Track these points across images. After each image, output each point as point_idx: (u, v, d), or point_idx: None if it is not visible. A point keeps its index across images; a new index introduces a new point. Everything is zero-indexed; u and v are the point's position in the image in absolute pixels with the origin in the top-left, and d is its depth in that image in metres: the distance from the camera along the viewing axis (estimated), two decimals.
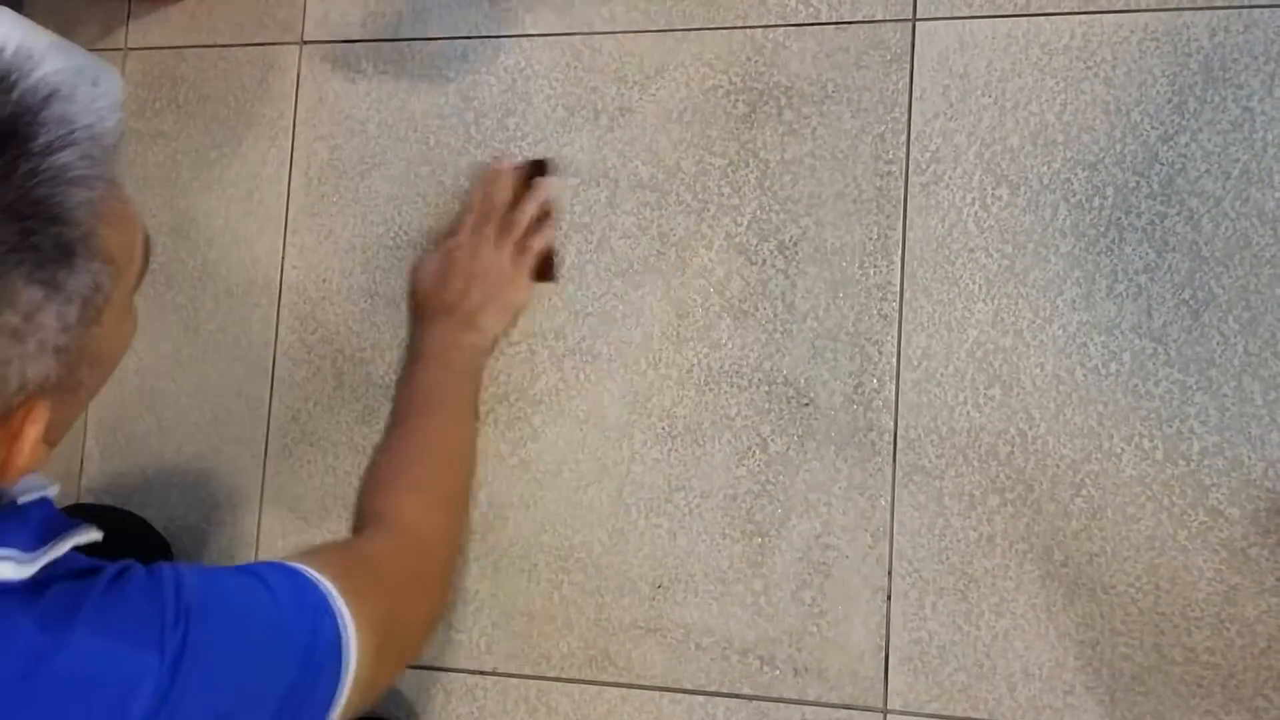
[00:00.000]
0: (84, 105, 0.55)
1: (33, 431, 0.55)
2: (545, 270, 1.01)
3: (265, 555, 1.05)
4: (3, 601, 0.54)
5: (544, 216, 1.01)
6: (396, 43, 1.08)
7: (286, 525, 1.05)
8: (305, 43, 1.11)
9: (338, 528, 1.04)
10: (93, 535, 0.60)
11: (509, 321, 1.00)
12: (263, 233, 1.09)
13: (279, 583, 0.66)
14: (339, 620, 0.66)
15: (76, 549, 0.59)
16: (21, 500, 0.58)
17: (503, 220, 0.99)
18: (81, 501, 1.09)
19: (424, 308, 1.00)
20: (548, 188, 1.01)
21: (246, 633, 0.62)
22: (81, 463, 1.10)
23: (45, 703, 0.53)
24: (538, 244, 1.00)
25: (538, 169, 1.02)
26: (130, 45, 1.15)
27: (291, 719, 0.62)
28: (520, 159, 1.02)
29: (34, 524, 0.57)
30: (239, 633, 0.61)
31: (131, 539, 1.03)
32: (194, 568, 0.62)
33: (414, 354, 0.98)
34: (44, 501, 0.60)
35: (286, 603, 0.65)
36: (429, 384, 0.94)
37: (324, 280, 1.07)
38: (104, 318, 0.56)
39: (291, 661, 0.63)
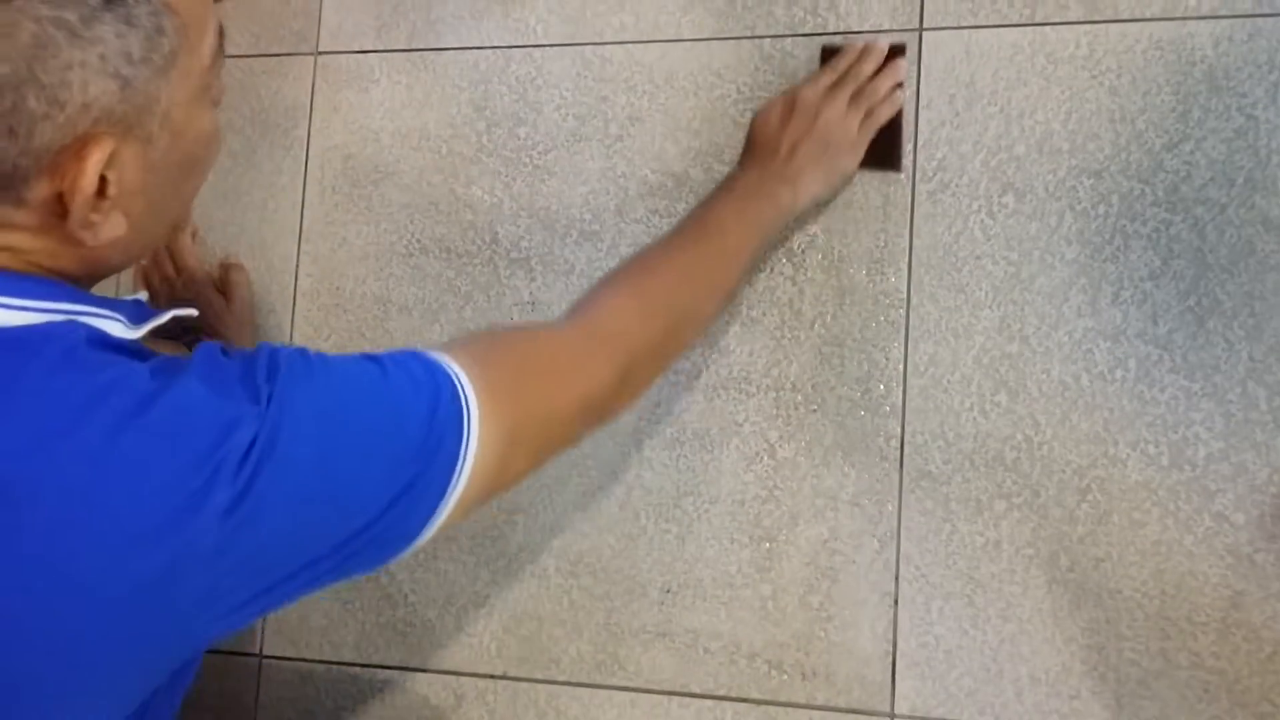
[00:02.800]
0: None
1: (96, 153, 0.57)
2: (889, 154, 0.97)
3: None
4: (121, 352, 0.59)
5: (896, 93, 0.97)
6: (409, 53, 1.10)
7: None
8: (320, 53, 1.12)
9: None
10: (191, 311, 0.66)
11: (831, 188, 0.96)
12: (277, 241, 1.11)
13: (394, 363, 0.65)
14: (461, 396, 0.65)
15: (177, 322, 0.64)
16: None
17: (858, 87, 0.96)
18: None
19: (752, 146, 0.96)
20: (902, 70, 0.97)
21: (346, 393, 0.62)
22: None
23: (153, 434, 0.56)
24: (886, 113, 0.96)
25: (895, 51, 0.98)
26: None
27: (406, 495, 0.62)
28: (881, 40, 0.98)
29: (131, 307, 0.63)
30: (338, 391, 0.62)
31: None
32: (296, 349, 0.64)
33: (721, 186, 0.94)
34: (137, 300, 0.65)
35: (400, 381, 0.64)
36: (718, 216, 0.90)
37: (338, 288, 1.08)
38: (172, 76, 0.60)
39: (400, 432, 0.63)
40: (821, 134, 0.93)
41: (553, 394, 0.72)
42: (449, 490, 0.64)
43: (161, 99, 0.59)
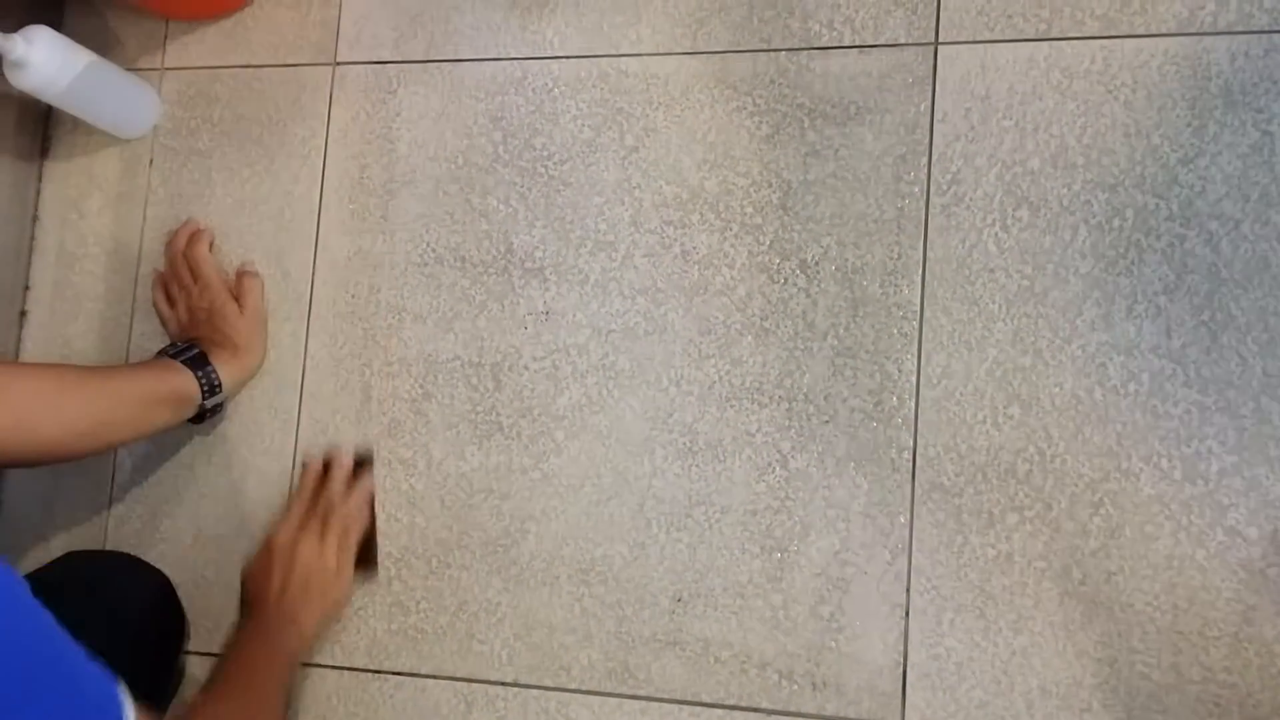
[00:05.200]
0: None
1: None
2: (366, 559, 1.04)
3: None
4: None
5: (366, 507, 1.05)
6: (427, 64, 1.10)
7: None
8: (338, 64, 1.13)
9: None
10: None
11: (330, 615, 1.02)
12: (294, 249, 1.11)
13: (94, 667, 0.65)
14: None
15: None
16: None
17: (326, 513, 1.03)
18: (106, 548, 1.12)
19: (247, 600, 1.02)
20: (369, 479, 1.05)
21: (30, 642, 0.61)
22: (113, 474, 1.12)
23: None
24: (357, 537, 1.03)
25: (359, 462, 1.06)
26: (167, 65, 1.18)
27: None
28: (343, 452, 1.06)
29: None
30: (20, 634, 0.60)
31: (120, 581, 1.04)
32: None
33: (234, 639, 0.98)
34: None
35: (90, 666, 0.64)
36: (237, 674, 0.93)
37: (353, 296, 1.09)
38: None
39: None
40: (302, 573, 0.99)
41: None
42: None
43: None
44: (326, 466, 1.06)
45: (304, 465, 1.07)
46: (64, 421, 0.91)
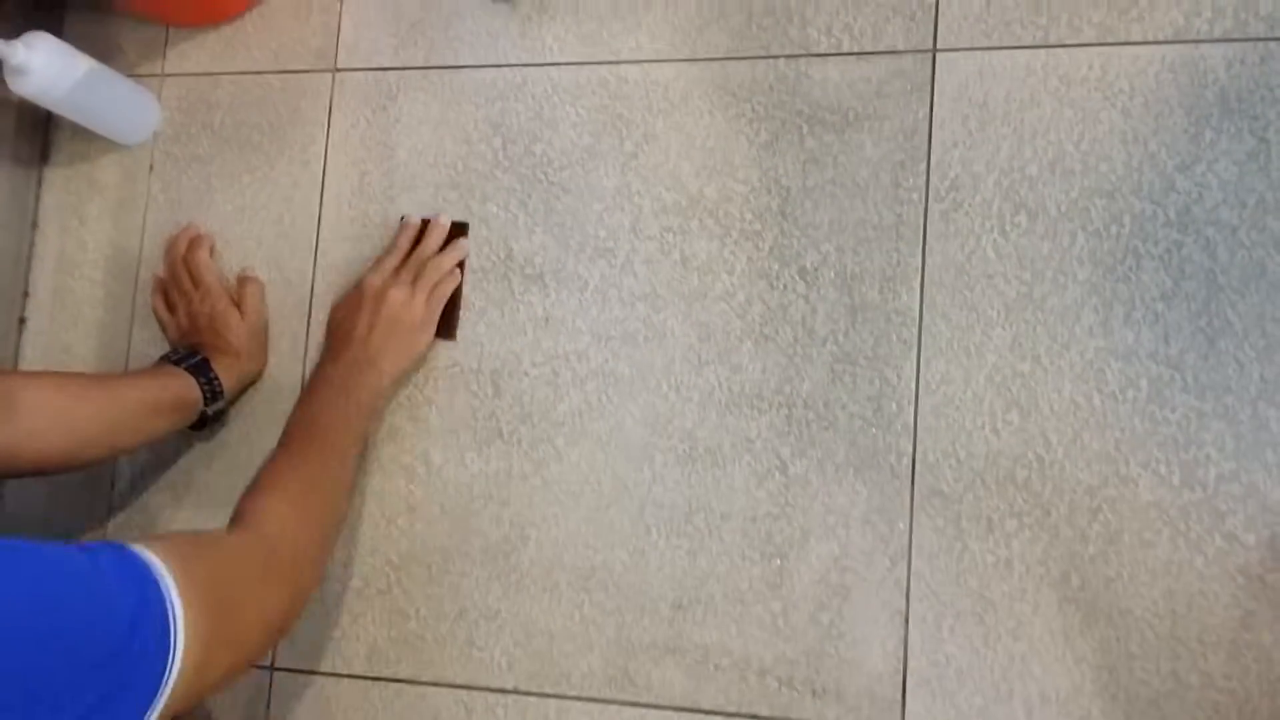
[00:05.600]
0: None
1: None
2: (447, 326, 1.06)
3: None
4: None
5: (457, 269, 1.06)
6: (427, 70, 1.11)
7: None
8: (338, 70, 1.13)
9: None
10: None
11: (409, 366, 1.04)
12: (294, 255, 1.11)
13: (106, 560, 0.64)
14: (169, 609, 0.64)
15: None
16: None
17: (419, 268, 1.04)
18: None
19: (332, 337, 1.04)
20: (464, 248, 1.06)
21: (47, 599, 0.59)
22: (112, 481, 1.12)
23: None
24: (446, 290, 1.05)
25: (457, 230, 1.07)
26: (167, 71, 1.18)
27: (112, 691, 0.60)
28: (443, 218, 1.07)
29: None
30: (37, 596, 0.58)
31: None
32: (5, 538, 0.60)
33: (312, 381, 1.00)
34: None
35: (108, 580, 0.62)
36: (315, 414, 0.96)
37: None
38: None
39: (103, 643, 0.60)
40: (389, 318, 1.01)
41: (247, 605, 0.74)
42: (155, 699, 0.62)
43: None
44: (423, 228, 1.07)
45: (401, 221, 1.08)
46: (74, 431, 0.91)
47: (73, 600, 0.60)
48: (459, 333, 1.06)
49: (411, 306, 1.02)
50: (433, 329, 1.04)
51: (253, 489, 0.88)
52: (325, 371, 1.00)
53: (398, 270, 1.04)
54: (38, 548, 0.60)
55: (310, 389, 0.99)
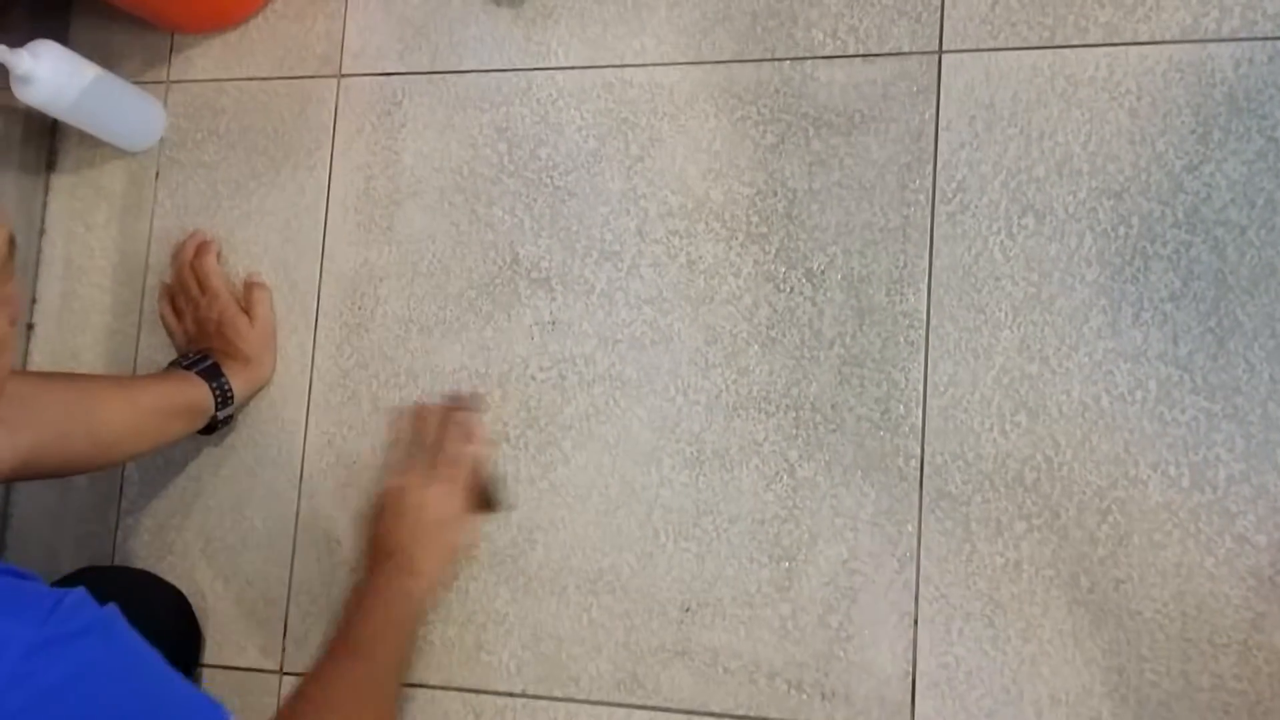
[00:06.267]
0: None
1: None
2: (489, 501, 1.02)
3: (299, 576, 1.07)
4: None
5: (478, 447, 1.02)
6: (432, 75, 1.11)
7: (320, 548, 1.07)
8: (343, 75, 1.13)
9: None
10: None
11: (450, 562, 1.00)
12: (300, 260, 1.11)
13: (200, 696, 0.66)
14: None
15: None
16: None
17: (441, 460, 0.99)
18: (115, 564, 1.12)
19: (367, 549, 0.99)
20: (480, 423, 1.03)
21: (142, 683, 0.62)
22: (121, 487, 1.13)
23: None
24: (473, 480, 1.00)
25: (470, 404, 1.04)
26: (172, 78, 1.19)
27: None
28: (453, 397, 1.04)
29: None
30: (135, 677, 0.62)
31: (141, 600, 1.03)
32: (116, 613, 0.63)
33: (354, 594, 0.96)
34: None
35: (199, 697, 0.66)
36: (361, 630, 0.92)
37: (359, 307, 1.09)
38: None
39: None
40: (420, 519, 0.96)
41: None
42: None
43: None
44: (432, 417, 1.03)
45: (415, 408, 1.05)
46: (95, 434, 0.91)
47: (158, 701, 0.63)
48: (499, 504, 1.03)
49: (439, 503, 0.97)
50: (465, 521, 1.00)
51: (302, 707, 0.85)
52: (365, 585, 0.96)
53: (421, 469, 0.99)
54: (144, 648, 0.64)
55: (356, 601, 0.94)
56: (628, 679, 0.98)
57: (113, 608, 0.62)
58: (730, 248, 1.00)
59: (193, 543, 1.10)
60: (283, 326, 1.11)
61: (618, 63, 1.06)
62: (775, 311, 0.99)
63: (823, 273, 0.98)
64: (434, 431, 1.02)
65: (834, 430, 0.96)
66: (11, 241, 0.63)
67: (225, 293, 1.09)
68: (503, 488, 1.03)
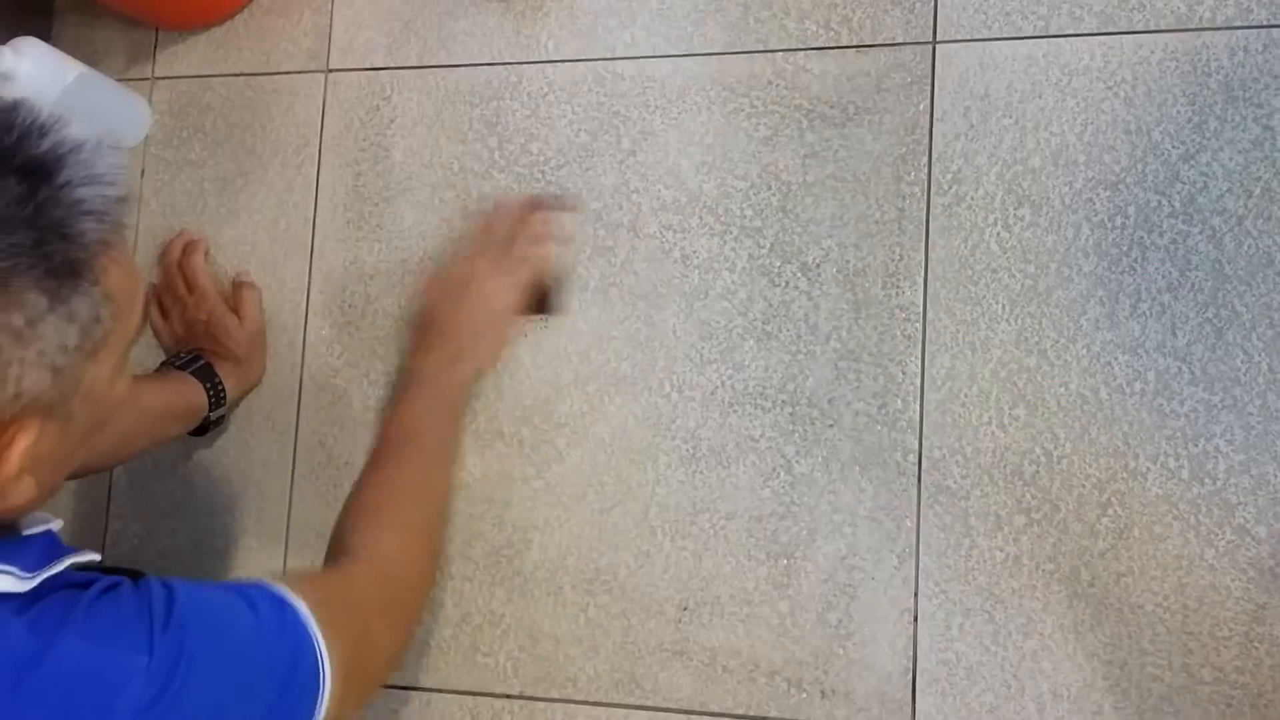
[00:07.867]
0: (103, 160, 0.59)
1: (22, 441, 0.57)
2: (544, 303, 1.02)
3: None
4: (1, 609, 0.58)
5: (549, 249, 1.01)
6: (421, 70, 1.09)
7: (315, 549, 1.06)
8: (330, 71, 1.12)
9: None
10: (91, 556, 0.64)
11: (499, 355, 1.01)
12: (289, 258, 1.10)
13: (264, 605, 0.68)
14: (317, 649, 0.68)
15: (76, 568, 0.62)
16: (27, 532, 0.62)
17: (505, 252, 1.00)
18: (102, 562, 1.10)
19: (419, 333, 1.01)
20: (558, 222, 1.02)
21: (233, 649, 0.65)
22: (109, 489, 1.11)
23: (35, 705, 0.56)
24: (534, 277, 1.00)
25: (551, 203, 1.03)
26: (157, 74, 1.17)
27: None
28: (536, 193, 1.04)
29: (37, 550, 0.61)
30: (226, 648, 0.64)
31: None
32: (181, 582, 0.65)
33: (404, 380, 0.98)
34: (48, 534, 0.63)
35: (270, 625, 0.67)
36: (413, 416, 0.94)
37: (349, 305, 1.08)
38: (100, 357, 0.60)
39: (272, 683, 0.66)
40: (477, 306, 0.98)
41: (374, 640, 0.78)
42: None
43: (86, 379, 0.59)
44: (506, 208, 1.03)
45: (495, 202, 1.04)
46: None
47: (252, 649, 0.66)
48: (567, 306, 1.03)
49: (498, 292, 0.98)
50: (521, 314, 1.01)
51: (355, 518, 0.87)
52: (414, 370, 0.98)
53: (482, 257, 1.00)
54: (215, 598, 0.67)
55: (405, 388, 0.97)
56: (626, 679, 0.97)
57: (171, 584, 0.65)
58: (724, 242, 1.00)
59: (183, 545, 1.09)
60: (272, 326, 1.10)
61: (608, 55, 1.05)
62: (770, 306, 0.98)
63: (818, 266, 0.97)
64: (509, 228, 1.01)
65: (831, 425, 0.96)
66: (147, 300, 0.65)
67: (213, 292, 1.08)
68: (563, 291, 1.02)
